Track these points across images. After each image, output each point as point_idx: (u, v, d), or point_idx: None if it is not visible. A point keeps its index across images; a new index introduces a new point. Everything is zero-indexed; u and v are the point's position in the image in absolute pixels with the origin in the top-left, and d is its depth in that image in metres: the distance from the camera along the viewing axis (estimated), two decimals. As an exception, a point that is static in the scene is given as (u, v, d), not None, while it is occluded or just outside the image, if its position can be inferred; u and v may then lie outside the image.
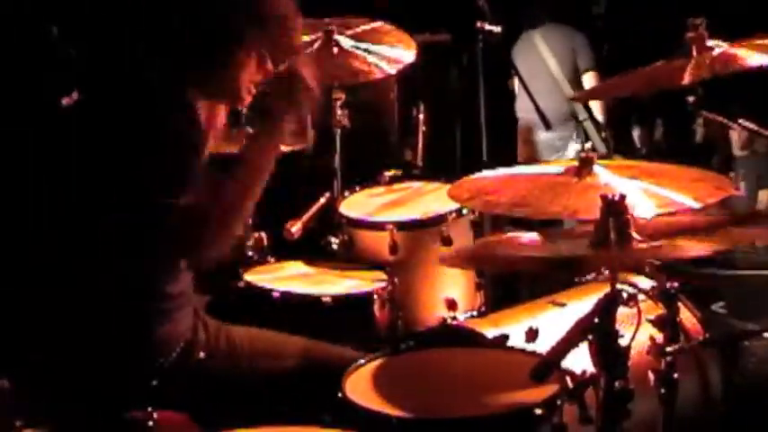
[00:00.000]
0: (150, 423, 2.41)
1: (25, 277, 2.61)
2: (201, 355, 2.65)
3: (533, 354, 2.55)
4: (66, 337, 2.56)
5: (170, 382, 2.59)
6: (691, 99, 2.86)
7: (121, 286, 2.55)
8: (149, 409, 2.46)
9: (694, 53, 2.68)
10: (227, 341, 2.72)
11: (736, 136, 5.45)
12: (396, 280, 3.24)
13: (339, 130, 3.67)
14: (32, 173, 2.63)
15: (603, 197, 2.20)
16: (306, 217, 3.55)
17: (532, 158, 5.31)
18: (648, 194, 2.33)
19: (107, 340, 2.55)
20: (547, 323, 2.83)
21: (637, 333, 2.24)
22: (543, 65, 5.32)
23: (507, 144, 5.50)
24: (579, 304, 2.90)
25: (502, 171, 2.61)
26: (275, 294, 3.11)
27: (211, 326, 2.75)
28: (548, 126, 4.90)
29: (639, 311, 2.25)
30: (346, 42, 3.61)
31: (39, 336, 2.58)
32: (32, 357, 2.58)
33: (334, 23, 3.61)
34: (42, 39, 3.74)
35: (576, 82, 5.34)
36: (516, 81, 5.29)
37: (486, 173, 2.63)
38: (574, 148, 5.26)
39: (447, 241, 3.33)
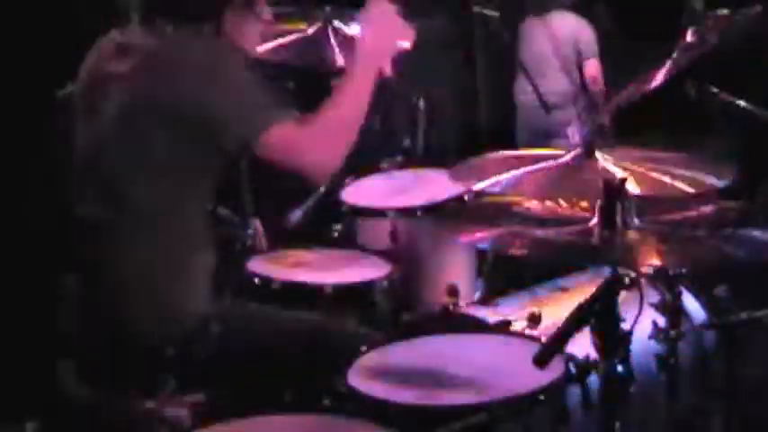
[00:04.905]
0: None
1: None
2: (216, 329, 2.65)
3: (536, 339, 2.54)
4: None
5: (185, 353, 2.59)
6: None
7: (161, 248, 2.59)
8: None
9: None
10: (240, 317, 2.73)
11: None
12: (397, 267, 3.23)
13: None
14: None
15: (606, 181, 2.19)
16: (306, 205, 3.54)
17: (533, 142, 5.33)
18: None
19: (128, 303, 2.61)
20: (549, 308, 2.82)
21: (639, 317, 2.23)
22: (545, 50, 5.39)
23: (507, 129, 5.51)
24: (582, 288, 2.89)
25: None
26: (276, 283, 3.10)
27: (226, 301, 2.78)
28: (547, 110, 4.92)
29: (642, 296, 2.24)
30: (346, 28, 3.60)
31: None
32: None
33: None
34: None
35: (577, 68, 5.45)
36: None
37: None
38: (572, 131, 5.30)
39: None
